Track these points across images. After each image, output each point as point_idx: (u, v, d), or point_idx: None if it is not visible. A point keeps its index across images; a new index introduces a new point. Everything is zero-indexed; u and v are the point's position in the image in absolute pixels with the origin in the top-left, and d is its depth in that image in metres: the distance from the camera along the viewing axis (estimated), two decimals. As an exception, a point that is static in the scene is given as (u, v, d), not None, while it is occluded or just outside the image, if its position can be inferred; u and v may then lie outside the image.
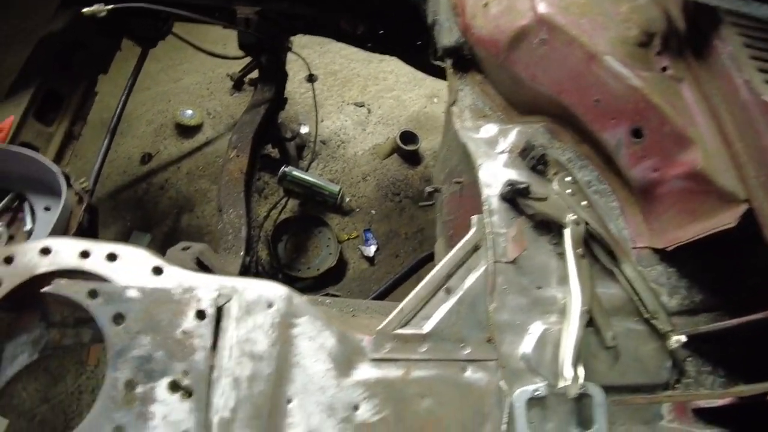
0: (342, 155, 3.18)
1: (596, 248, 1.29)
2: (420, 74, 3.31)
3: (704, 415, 1.20)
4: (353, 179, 3.13)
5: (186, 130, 3.08)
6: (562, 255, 1.27)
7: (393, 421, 1.02)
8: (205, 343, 0.96)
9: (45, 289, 1.03)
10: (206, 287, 1.02)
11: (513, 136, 1.45)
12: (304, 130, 3.16)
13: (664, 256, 1.31)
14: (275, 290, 1.08)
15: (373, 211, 3.05)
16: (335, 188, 2.94)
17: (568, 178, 1.36)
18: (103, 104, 2.90)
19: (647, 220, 1.35)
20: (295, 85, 3.24)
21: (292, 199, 2.97)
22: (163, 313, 0.98)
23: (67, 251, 1.15)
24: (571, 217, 1.27)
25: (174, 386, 0.92)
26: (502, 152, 1.41)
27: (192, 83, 3.31)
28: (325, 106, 3.31)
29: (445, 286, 1.17)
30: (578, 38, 1.37)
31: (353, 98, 3.40)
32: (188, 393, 0.92)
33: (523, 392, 1.08)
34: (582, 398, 1.11)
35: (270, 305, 1.06)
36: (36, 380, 2.49)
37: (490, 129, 1.49)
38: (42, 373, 2.53)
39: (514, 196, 1.27)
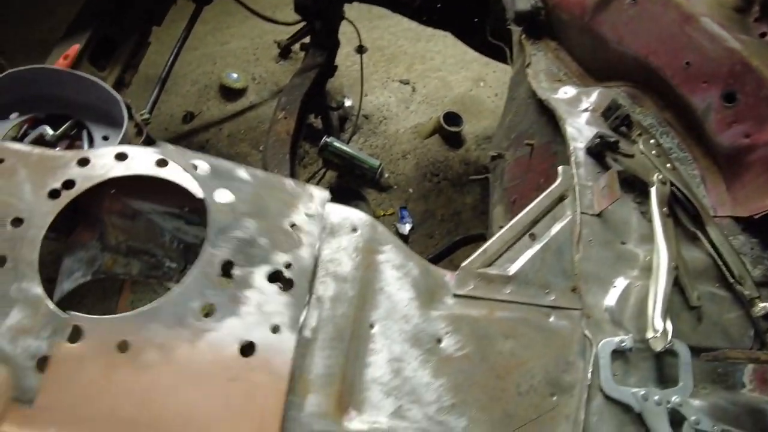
0: (383, 131, 3.15)
1: (679, 211, 1.25)
2: (467, 57, 3.28)
3: (784, 388, 1.15)
4: (393, 156, 3.10)
5: (230, 93, 3.06)
6: (644, 213, 1.23)
7: (476, 358, 0.99)
8: (312, 240, 0.92)
9: (152, 149, 1.00)
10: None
11: (594, 96, 1.42)
12: (347, 102, 3.13)
13: (748, 225, 1.26)
14: (359, 216, 1.06)
15: (410, 190, 3.01)
16: (375, 163, 2.91)
17: (653, 141, 1.33)
18: (149, 61, 2.90)
19: (731, 188, 1.31)
20: (341, 57, 3.20)
21: (330, 170, 2.94)
22: (273, 201, 0.93)
23: (144, 158, 1.12)
24: (658, 176, 1.23)
25: (274, 276, 0.88)
26: (585, 110, 1.38)
27: (239, 47, 3.29)
28: (370, 80, 3.28)
29: (530, 232, 1.13)
30: (674, -2, 1.33)
31: (399, 75, 3.37)
32: (288, 286, 0.88)
33: (608, 343, 1.05)
34: (664, 356, 1.08)
35: (354, 229, 1.03)
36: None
37: (568, 90, 1.46)
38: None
39: (602, 150, 1.24)
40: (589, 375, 1.00)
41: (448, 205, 2.99)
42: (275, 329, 0.87)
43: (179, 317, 0.84)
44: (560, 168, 1.23)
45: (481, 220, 2.83)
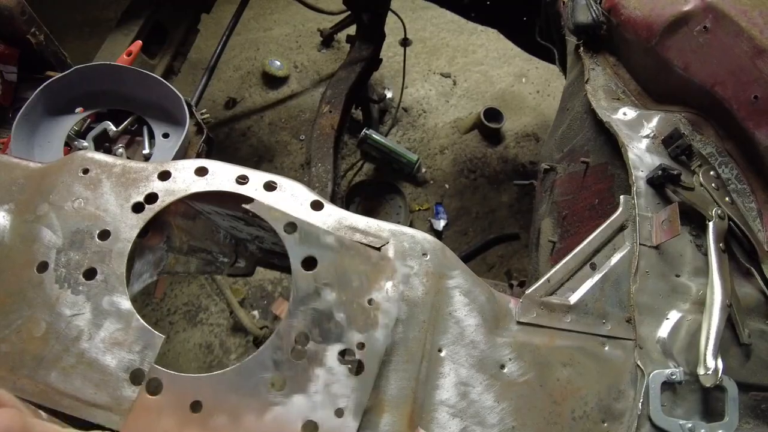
0: (422, 125, 3.17)
1: (735, 245, 1.28)
2: (510, 52, 3.26)
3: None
4: (431, 150, 3.12)
5: (272, 81, 3.09)
6: (699, 247, 1.26)
7: (536, 384, 1.04)
8: (389, 320, 0.90)
9: (246, 206, 0.98)
10: (399, 261, 0.96)
11: (655, 121, 1.43)
12: (388, 94, 3.14)
13: (802, 263, 1.29)
14: (429, 240, 1.10)
15: (447, 186, 3.04)
16: (413, 157, 2.94)
17: (713, 173, 1.34)
18: (195, 46, 2.94)
19: (788, 225, 1.33)
20: (383, 48, 3.21)
21: (368, 162, 2.98)
22: (356, 273, 0.91)
23: (224, 174, 1.16)
24: (716, 210, 1.25)
25: (345, 356, 0.86)
26: (646, 137, 1.39)
27: (281, 34, 3.30)
28: (411, 73, 3.28)
29: (591, 262, 1.17)
30: (748, 30, 1.33)
31: (440, 68, 3.36)
32: (358, 369, 0.86)
33: (659, 374, 1.09)
34: (713, 390, 1.12)
35: (424, 254, 1.08)
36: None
37: (628, 111, 1.47)
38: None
39: (663, 182, 1.26)
40: (640, 404, 1.05)
41: (484, 203, 3.02)
42: (339, 413, 0.85)
43: (252, 386, 0.84)
44: (622, 197, 1.26)
45: (515, 219, 2.86)
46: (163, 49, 2.53)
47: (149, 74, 1.74)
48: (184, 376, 0.85)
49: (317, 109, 2.47)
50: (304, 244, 0.93)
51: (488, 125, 3.09)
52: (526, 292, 1.11)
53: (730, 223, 1.27)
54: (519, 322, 1.08)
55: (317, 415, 0.83)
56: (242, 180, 1.17)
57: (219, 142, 2.95)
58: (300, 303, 0.89)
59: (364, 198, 2.97)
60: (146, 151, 1.79)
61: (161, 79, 1.75)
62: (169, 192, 1.13)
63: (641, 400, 1.06)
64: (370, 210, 2.94)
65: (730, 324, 1.18)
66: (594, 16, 1.71)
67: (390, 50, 3.25)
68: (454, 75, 3.37)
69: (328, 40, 3.29)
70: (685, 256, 1.26)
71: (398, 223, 2.97)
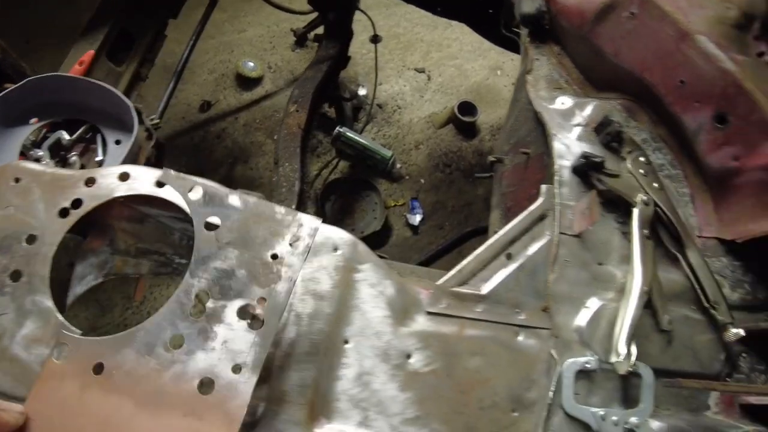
0: (397, 120, 3.17)
1: (662, 232, 1.27)
2: (485, 44, 3.23)
3: (751, 411, 1.18)
4: (406, 146, 3.12)
5: (246, 82, 3.12)
6: (626, 234, 1.25)
7: (443, 374, 1.05)
8: (292, 274, 0.91)
9: (155, 173, 1.05)
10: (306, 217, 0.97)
11: (589, 110, 1.42)
12: (362, 91, 3.15)
13: (731, 248, 1.27)
14: (341, 235, 1.11)
15: (422, 180, 3.05)
16: (387, 153, 2.95)
17: (642, 159, 1.33)
18: (167, 50, 2.96)
19: (718, 209, 1.31)
20: (357, 46, 3.21)
21: (343, 160, 2.99)
22: (260, 230, 0.93)
23: (145, 178, 1.19)
24: (641, 197, 1.25)
25: (244, 312, 0.88)
26: (577, 125, 1.39)
27: (255, 36, 3.33)
28: (385, 69, 3.29)
29: (506, 252, 1.17)
30: (672, 14, 1.32)
31: (414, 63, 3.36)
32: (258, 324, 0.88)
33: (573, 363, 1.09)
34: (630, 377, 1.11)
35: (336, 249, 1.09)
36: (87, 309, 2.65)
37: (565, 101, 1.47)
38: (93, 303, 2.69)
39: (586, 170, 1.26)
40: (551, 393, 1.05)
41: (460, 197, 3.02)
42: (237, 369, 0.86)
43: (150, 346, 0.86)
44: (543, 187, 1.25)
45: (490, 212, 2.86)
46: (129, 56, 2.56)
47: (98, 83, 1.78)
48: (87, 339, 0.88)
49: (285, 109, 2.49)
50: (208, 206, 0.95)
51: (462, 119, 3.08)
52: (437, 283, 1.12)
53: (657, 209, 1.26)
54: (428, 313, 1.09)
55: (214, 372, 0.85)
56: (161, 184, 1.20)
57: (194, 145, 2.99)
58: (200, 263, 0.90)
59: (339, 196, 2.98)
60: (100, 158, 1.83)
61: (110, 87, 1.78)
62: (93, 197, 1.17)
63: (552, 389, 1.06)
64: (345, 207, 2.95)
65: (652, 311, 1.18)
66: (537, 6, 1.71)
67: (364, 47, 3.26)
68: (428, 70, 3.37)
69: (301, 39, 3.31)
70: (612, 244, 1.25)
71: (374, 219, 2.98)
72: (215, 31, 3.33)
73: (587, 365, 1.09)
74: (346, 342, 1.04)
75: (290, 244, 0.96)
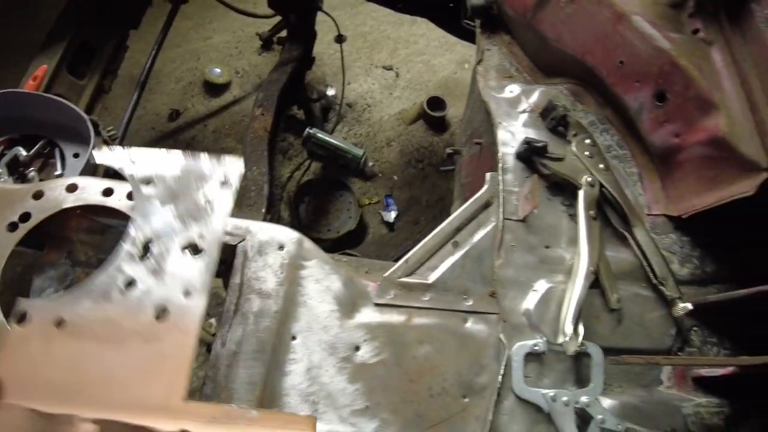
0: (367, 119, 3.18)
1: (610, 211, 1.28)
2: (451, 39, 3.25)
3: (704, 384, 1.20)
4: (377, 144, 3.13)
5: (214, 89, 3.11)
6: (573, 216, 1.27)
7: (391, 364, 1.06)
8: (224, 208, 1.00)
9: (102, 183, 1.12)
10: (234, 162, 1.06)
11: (535, 96, 1.43)
12: (330, 92, 3.16)
13: (679, 224, 1.29)
14: (287, 234, 1.12)
15: (395, 177, 3.06)
16: (359, 152, 2.95)
17: (588, 141, 1.35)
18: (134, 60, 2.96)
19: (665, 187, 1.33)
20: (323, 46, 3.22)
21: (315, 161, 2.99)
22: (191, 180, 1.02)
23: (92, 188, 1.21)
24: (586, 178, 1.26)
25: (187, 246, 0.96)
26: (523, 111, 1.40)
27: (221, 42, 3.33)
28: (353, 68, 3.30)
29: (453, 240, 1.18)
30: (607, -4, 1.33)
31: (382, 61, 3.37)
32: (200, 253, 0.96)
33: (521, 346, 1.10)
34: (581, 357, 1.13)
35: (281, 247, 1.10)
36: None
37: (513, 89, 1.48)
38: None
39: (530, 155, 1.27)
40: (500, 377, 1.06)
41: (433, 191, 3.03)
42: (186, 293, 0.94)
43: (106, 293, 0.94)
44: (488, 175, 1.27)
45: (463, 205, 2.87)
46: (91, 69, 2.55)
47: (52, 97, 1.78)
48: (46, 300, 0.99)
49: (251, 113, 2.49)
50: (143, 170, 1.04)
51: (432, 114, 3.10)
52: (384, 274, 1.13)
53: (603, 190, 1.28)
54: (376, 304, 1.10)
55: (168, 300, 0.92)
56: (108, 192, 1.21)
57: (166, 154, 2.98)
58: (141, 218, 1.00)
59: (313, 197, 2.98)
60: (58, 172, 1.83)
61: (63, 100, 1.78)
62: (42, 210, 1.19)
63: (502, 373, 1.07)
64: (319, 208, 2.96)
65: (601, 291, 1.19)
66: (486, -4, 1.73)
67: (330, 48, 3.26)
68: (396, 67, 3.38)
69: (267, 43, 3.31)
70: (560, 227, 1.27)
71: (349, 218, 2.99)
72: (181, 40, 3.32)
73: (536, 348, 1.10)
74: (294, 338, 1.04)
75: (220, 185, 1.03)
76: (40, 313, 0.94)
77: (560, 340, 1.09)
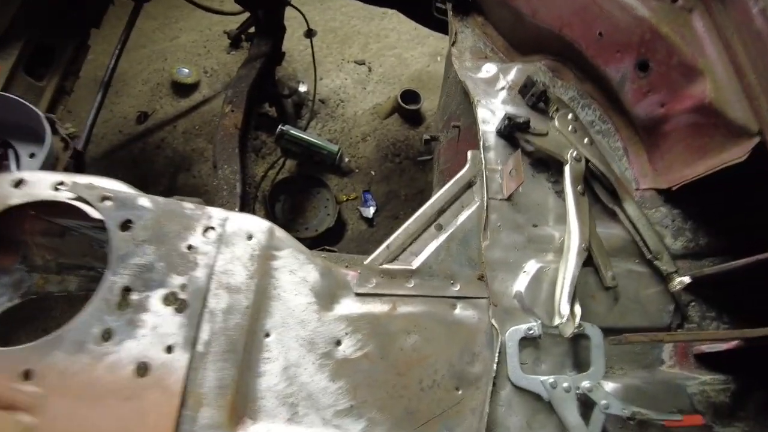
0: (341, 115, 3.10)
1: (597, 187, 1.23)
2: (423, 32, 3.20)
3: (706, 360, 1.15)
4: (353, 139, 3.05)
5: (182, 89, 3.00)
6: (560, 193, 1.21)
7: (376, 357, 0.98)
8: (208, 260, 0.95)
9: (63, 190, 1.01)
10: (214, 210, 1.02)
11: (513, 73, 1.38)
12: (302, 88, 3.07)
13: (669, 197, 1.24)
14: (256, 223, 1.03)
15: (372, 172, 2.98)
16: (334, 148, 2.87)
17: (570, 116, 1.29)
18: (99, 63, 2.84)
19: (652, 160, 1.28)
20: (293, 42, 3.13)
21: (289, 159, 2.90)
22: (173, 226, 0.96)
23: (41, 183, 1.10)
24: (572, 153, 1.21)
25: (169, 299, 0.91)
26: (502, 89, 1.34)
27: (188, 41, 3.21)
28: (324, 63, 3.21)
29: (436, 222, 1.11)
30: (583, -35, 1.28)
31: (354, 56, 3.29)
32: (183, 307, 0.91)
33: (515, 331, 1.03)
34: (578, 339, 1.06)
35: (250, 237, 1.01)
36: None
37: (490, 68, 1.42)
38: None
39: (512, 132, 1.21)
40: (495, 366, 0.99)
41: (411, 184, 2.97)
42: (169, 349, 0.89)
43: (80, 343, 0.88)
44: (469, 153, 1.20)
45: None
46: (51, 70, 2.42)
47: (3, 94, 1.67)
48: (11, 349, 0.87)
49: (220, 111, 2.39)
50: (120, 210, 0.97)
51: (406, 107, 3.03)
52: (364, 262, 1.05)
53: (589, 164, 1.22)
54: (357, 294, 1.02)
55: (147, 355, 0.88)
56: (60, 186, 1.11)
57: (133, 158, 2.85)
58: (120, 261, 0.94)
59: (289, 195, 2.89)
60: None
61: (17, 98, 1.68)
62: None
63: (496, 361, 1.00)
64: (296, 207, 2.86)
65: (595, 268, 1.13)
66: (456, -24, 1.67)
67: (301, 43, 3.17)
68: (368, 61, 3.31)
69: (236, 41, 3.21)
70: (547, 205, 1.21)
71: (327, 215, 2.90)
72: (146, 40, 3.19)
73: (530, 332, 1.04)
74: (268, 335, 0.96)
75: (203, 234, 0.98)
76: (5, 361, 0.87)
77: (556, 322, 1.03)
